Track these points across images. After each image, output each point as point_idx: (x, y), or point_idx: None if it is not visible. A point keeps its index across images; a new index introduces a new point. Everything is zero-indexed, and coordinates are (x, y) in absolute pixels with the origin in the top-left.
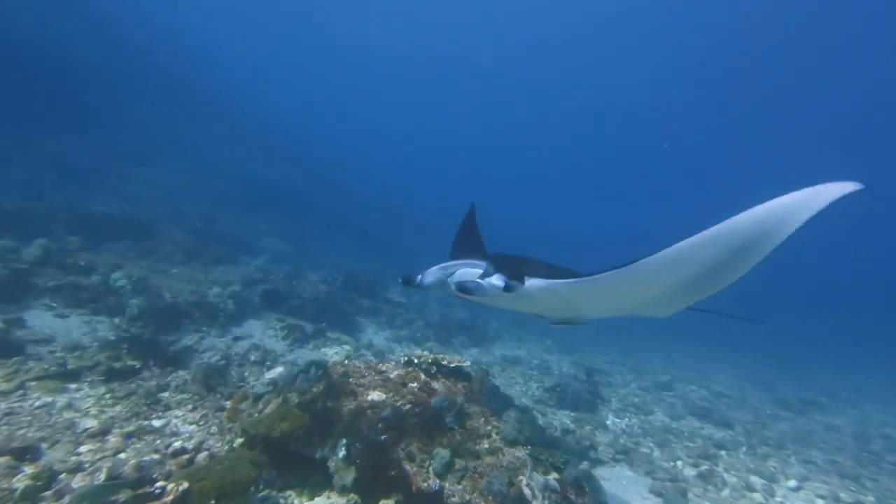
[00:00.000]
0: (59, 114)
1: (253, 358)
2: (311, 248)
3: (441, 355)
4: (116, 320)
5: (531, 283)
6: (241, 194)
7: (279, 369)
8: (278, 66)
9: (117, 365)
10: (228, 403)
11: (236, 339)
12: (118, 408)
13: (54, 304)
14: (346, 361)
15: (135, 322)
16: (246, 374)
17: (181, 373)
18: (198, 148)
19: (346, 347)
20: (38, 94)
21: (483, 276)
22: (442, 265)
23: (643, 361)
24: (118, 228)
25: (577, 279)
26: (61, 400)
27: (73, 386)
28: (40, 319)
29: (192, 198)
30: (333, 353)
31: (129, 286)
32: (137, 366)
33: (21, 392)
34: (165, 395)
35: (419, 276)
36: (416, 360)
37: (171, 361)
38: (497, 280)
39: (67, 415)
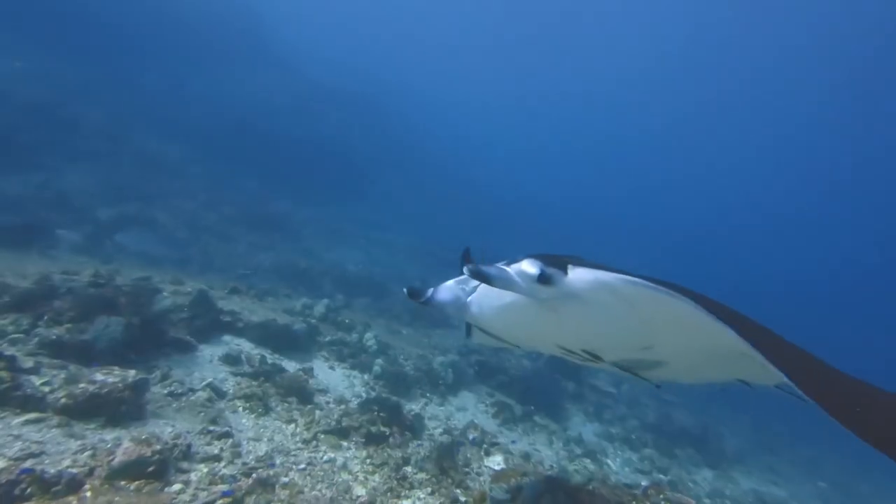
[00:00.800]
0: (332, 190)
1: (472, 437)
2: None
3: None
4: (366, 376)
5: (578, 273)
6: (451, 258)
7: (499, 458)
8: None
9: (373, 429)
10: (462, 497)
11: (455, 409)
12: (377, 477)
13: (328, 357)
14: (591, 487)
15: (378, 380)
16: (469, 455)
17: (416, 444)
18: (423, 215)
19: (571, 459)
20: (328, 174)
21: (510, 264)
22: (460, 278)
23: None
24: (363, 286)
25: (663, 284)
26: (340, 458)
27: (345, 444)
28: (320, 370)
29: (414, 259)
30: (573, 470)
31: (377, 346)
32: (387, 432)
33: (315, 443)
34: (409, 469)
35: (430, 291)
36: None
37: (409, 428)
38: (530, 265)
39: (344, 476)
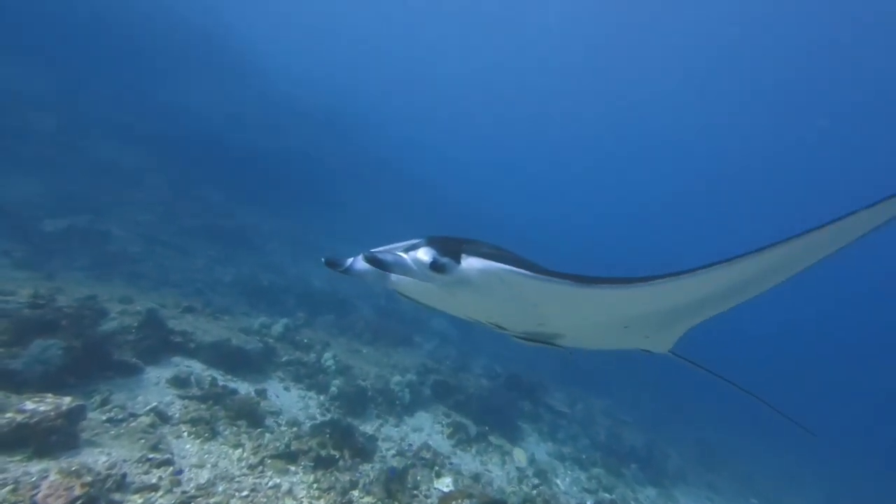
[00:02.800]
0: (301, 203)
1: (424, 458)
2: (472, 331)
3: None
4: (321, 398)
5: (470, 262)
6: None
7: (448, 480)
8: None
9: (323, 453)
10: None
11: (410, 430)
12: (321, 502)
13: (283, 377)
14: None
15: (334, 401)
16: (418, 477)
17: (366, 466)
18: (393, 228)
19: (517, 480)
20: (297, 187)
21: (408, 251)
22: (385, 248)
23: None
24: (328, 304)
25: (542, 273)
26: (285, 484)
27: (293, 468)
28: (275, 392)
29: None
30: (510, 492)
31: (335, 367)
32: (336, 456)
33: (261, 468)
34: (355, 494)
35: (349, 260)
36: None
37: (359, 452)
38: (424, 254)
39: (288, 502)
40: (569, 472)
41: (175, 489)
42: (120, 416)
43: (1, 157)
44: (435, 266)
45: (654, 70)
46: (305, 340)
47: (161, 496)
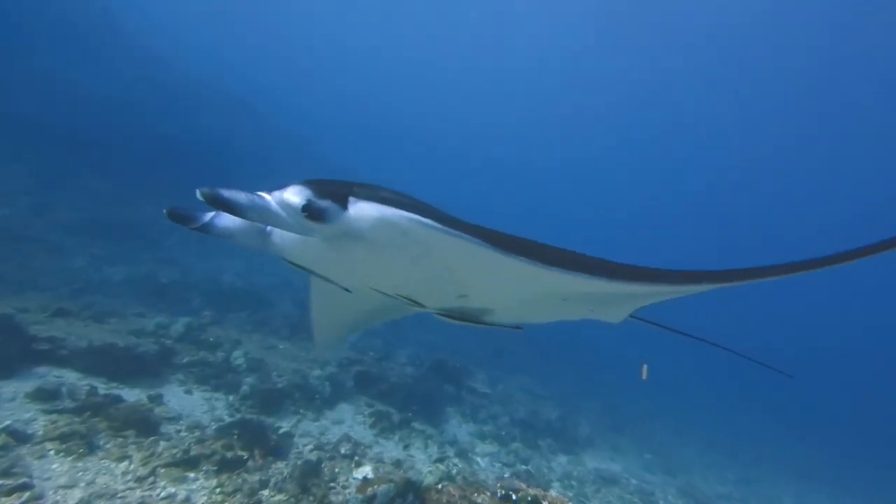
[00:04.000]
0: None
1: (343, 451)
2: (398, 321)
3: (541, 492)
4: (230, 398)
5: (361, 208)
6: None
7: (367, 469)
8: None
9: (229, 455)
10: None
11: (331, 423)
12: None
13: (185, 380)
14: (440, 486)
15: (245, 401)
16: (336, 469)
17: (280, 465)
18: None
19: (438, 461)
20: (203, 175)
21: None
22: (257, 193)
23: (773, 500)
24: (241, 300)
25: (455, 226)
26: (182, 492)
27: (192, 475)
28: (174, 396)
29: None
30: (427, 472)
31: (246, 364)
32: (245, 456)
33: (152, 479)
34: (265, 493)
35: (209, 215)
36: (514, 497)
37: (272, 450)
38: (294, 194)
39: None
40: (488, 449)
41: None
42: None
43: None
44: (310, 211)
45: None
46: (212, 339)
47: None
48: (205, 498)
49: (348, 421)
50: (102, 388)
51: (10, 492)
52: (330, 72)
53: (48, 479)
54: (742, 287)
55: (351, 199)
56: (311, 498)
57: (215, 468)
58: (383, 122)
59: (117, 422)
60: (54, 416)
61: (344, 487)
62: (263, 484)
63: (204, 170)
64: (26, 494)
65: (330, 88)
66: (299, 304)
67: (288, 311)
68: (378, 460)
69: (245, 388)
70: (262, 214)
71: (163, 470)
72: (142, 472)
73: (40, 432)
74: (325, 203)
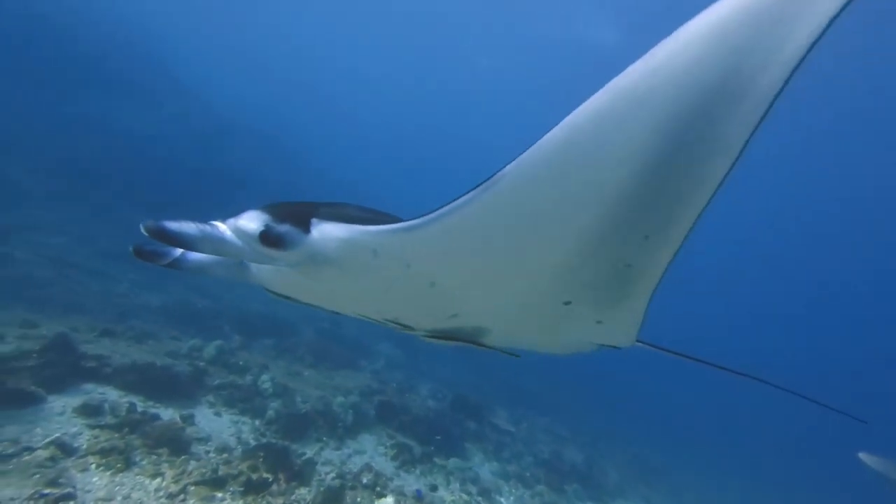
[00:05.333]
0: None
1: (365, 481)
2: (419, 355)
3: None
4: (257, 422)
5: (325, 230)
6: None
7: (389, 501)
8: None
9: (255, 476)
10: None
11: (353, 452)
12: None
13: (214, 402)
14: None
15: (270, 426)
16: (358, 499)
17: (302, 491)
18: None
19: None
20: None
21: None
22: (210, 222)
23: None
24: (268, 327)
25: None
26: None
27: (220, 495)
28: (204, 417)
29: None
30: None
31: (272, 389)
32: (270, 479)
33: (182, 497)
34: None
35: (177, 250)
36: None
37: (296, 475)
38: (250, 220)
39: None
40: (513, 491)
41: None
42: (10, 451)
43: None
44: (268, 238)
45: None
46: (241, 363)
47: None
48: None
49: (370, 451)
50: (140, 405)
51: (54, 501)
52: (348, 99)
53: (89, 491)
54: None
55: (313, 220)
56: None
57: (241, 489)
58: (415, 148)
59: (151, 439)
60: (97, 432)
61: None
62: None
63: (234, 201)
64: None
65: (351, 118)
66: (323, 333)
67: (311, 339)
68: (399, 493)
69: (271, 412)
70: (216, 245)
71: (192, 488)
72: (173, 489)
73: (84, 446)
74: (283, 227)
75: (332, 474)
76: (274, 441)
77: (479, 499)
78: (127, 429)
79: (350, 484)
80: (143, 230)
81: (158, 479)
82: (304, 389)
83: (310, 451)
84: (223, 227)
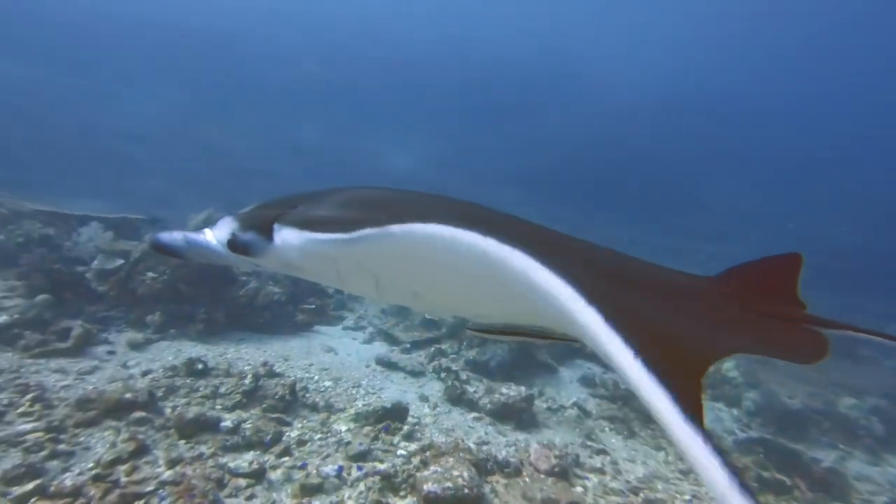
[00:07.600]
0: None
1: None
2: None
3: None
4: (735, 411)
5: (284, 236)
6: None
7: None
8: None
9: (765, 474)
10: None
11: None
12: None
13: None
14: None
15: (753, 418)
16: None
17: None
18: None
19: None
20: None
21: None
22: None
23: None
24: None
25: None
26: None
27: None
28: None
29: None
30: None
31: (741, 378)
32: (787, 482)
33: (694, 476)
34: None
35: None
36: None
37: (818, 483)
38: (220, 230)
39: None
40: None
41: (619, 477)
42: (554, 406)
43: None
44: (234, 247)
45: None
46: None
47: (610, 480)
48: None
49: None
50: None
51: (597, 452)
52: None
53: (614, 450)
54: None
55: (275, 227)
56: None
57: (757, 485)
58: None
59: (643, 414)
60: (598, 401)
61: None
62: None
63: (636, 185)
64: (607, 459)
65: None
66: None
67: None
68: None
69: (749, 404)
70: (203, 254)
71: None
72: (682, 466)
73: (594, 411)
74: (247, 236)
75: (884, 498)
76: (762, 435)
77: None
78: (620, 402)
79: None
80: (146, 243)
81: (662, 453)
82: (784, 381)
83: (827, 459)
84: (204, 236)
